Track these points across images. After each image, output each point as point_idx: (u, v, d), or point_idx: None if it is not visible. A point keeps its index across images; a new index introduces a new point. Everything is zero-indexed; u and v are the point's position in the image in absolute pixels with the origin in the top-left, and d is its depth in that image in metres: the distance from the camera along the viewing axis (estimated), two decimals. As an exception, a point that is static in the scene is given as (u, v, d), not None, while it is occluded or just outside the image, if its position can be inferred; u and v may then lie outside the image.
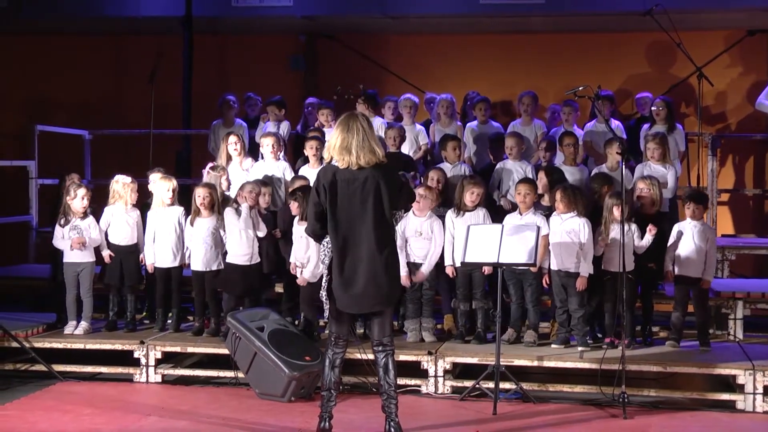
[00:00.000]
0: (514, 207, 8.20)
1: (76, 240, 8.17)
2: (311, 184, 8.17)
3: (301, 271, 7.96)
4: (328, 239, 6.09)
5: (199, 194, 8.19)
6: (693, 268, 7.79)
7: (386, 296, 6.05)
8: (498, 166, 8.87)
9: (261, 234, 8.15)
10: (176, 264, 8.40)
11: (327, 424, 6.19)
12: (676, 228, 7.90)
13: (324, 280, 6.15)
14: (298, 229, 7.99)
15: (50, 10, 11.90)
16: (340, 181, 5.99)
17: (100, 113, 12.63)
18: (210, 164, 8.88)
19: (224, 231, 8.19)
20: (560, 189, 7.85)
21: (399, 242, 7.93)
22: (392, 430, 6.08)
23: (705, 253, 7.79)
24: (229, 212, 8.13)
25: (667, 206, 8.73)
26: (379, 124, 9.57)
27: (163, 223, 8.39)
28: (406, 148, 9.28)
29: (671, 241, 7.85)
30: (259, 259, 8.20)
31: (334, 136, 6.06)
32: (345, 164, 5.99)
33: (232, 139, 9.08)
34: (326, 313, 6.23)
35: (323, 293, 6.15)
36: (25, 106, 12.80)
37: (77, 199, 8.21)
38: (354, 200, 5.97)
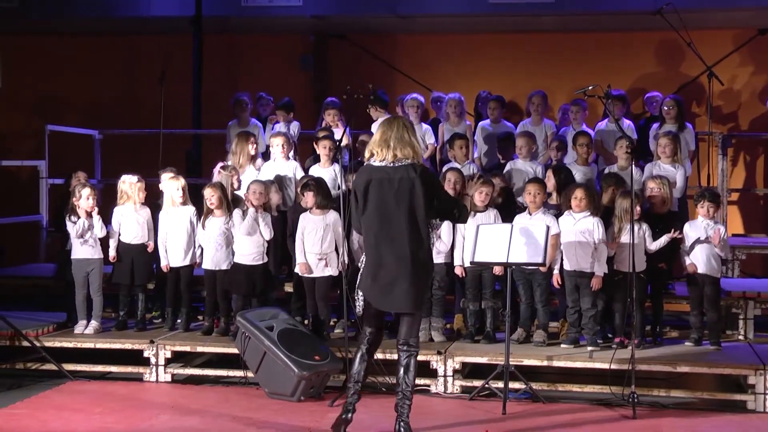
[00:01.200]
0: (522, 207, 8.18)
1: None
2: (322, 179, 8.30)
3: (319, 261, 7.98)
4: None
5: (206, 195, 8.21)
6: (707, 266, 7.77)
7: (414, 299, 6.09)
8: (508, 165, 8.85)
9: (267, 237, 8.14)
10: (186, 263, 8.41)
11: (349, 416, 6.24)
12: (689, 227, 7.88)
13: (359, 276, 6.27)
14: (312, 220, 8.01)
15: (60, 10, 11.93)
16: (374, 181, 6.07)
17: (111, 113, 12.66)
18: (220, 164, 8.88)
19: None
20: (582, 188, 7.82)
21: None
22: (402, 429, 6.09)
23: (709, 248, 7.79)
24: (236, 214, 8.13)
25: (676, 206, 8.71)
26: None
27: (174, 222, 8.39)
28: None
29: (688, 241, 7.82)
30: (266, 259, 8.20)
31: (376, 132, 6.22)
32: (382, 157, 6.08)
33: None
34: (357, 308, 6.30)
35: (358, 292, 6.25)
36: (36, 106, 12.84)
37: (83, 199, 8.23)
38: (388, 200, 6.04)
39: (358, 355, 6.27)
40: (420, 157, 6.15)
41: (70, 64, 12.78)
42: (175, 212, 8.41)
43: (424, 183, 6.04)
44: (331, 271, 8.02)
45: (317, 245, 8.01)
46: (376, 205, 6.07)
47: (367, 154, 6.25)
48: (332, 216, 8.01)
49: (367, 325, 6.28)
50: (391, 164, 6.05)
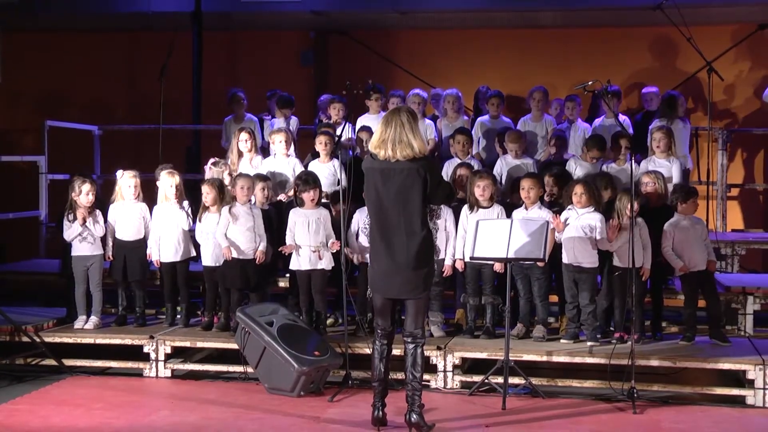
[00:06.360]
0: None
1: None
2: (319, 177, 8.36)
3: (312, 254, 8.01)
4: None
5: (202, 192, 8.19)
6: (695, 261, 7.77)
7: (415, 284, 6.12)
8: (499, 162, 8.84)
9: (261, 238, 8.11)
10: (179, 258, 8.39)
11: (380, 413, 6.28)
12: (668, 226, 7.84)
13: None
14: (304, 214, 8.04)
15: (61, 5, 11.93)
16: (375, 170, 6.13)
17: (110, 109, 12.66)
18: (212, 159, 8.86)
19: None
20: (582, 184, 7.82)
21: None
22: (414, 418, 6.14)
23: (703, 243, 7.79)
24: (224, 211, 8.10)
25: (673, 200, 8.70)
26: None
27: (167, 217, 8.37)
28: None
29: (665, 240, 7.81)
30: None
31: (376, 131, 6.24)
32: (382, 157, 6.12)
33: (243, 136, 9.02)
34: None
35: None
36: (36, 102, 12.84)
37: (82, 195, 8.23)
38: (390, 189, 6.08)
39: (376, 355, 6.29)
40: (422, 151, 6.12)
41: (70, 59, 12.78)
42: (169, 208, 8.39)
43: (428, 174, 6.08)
44: (324, 264, 8.02)
45: (311, 238, 8.02)
46: (379, 194, 6.12)
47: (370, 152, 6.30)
48: (323, 211, 8.04)
49: (383, 325, 6.29)
50: (393, 160, 6.09)
